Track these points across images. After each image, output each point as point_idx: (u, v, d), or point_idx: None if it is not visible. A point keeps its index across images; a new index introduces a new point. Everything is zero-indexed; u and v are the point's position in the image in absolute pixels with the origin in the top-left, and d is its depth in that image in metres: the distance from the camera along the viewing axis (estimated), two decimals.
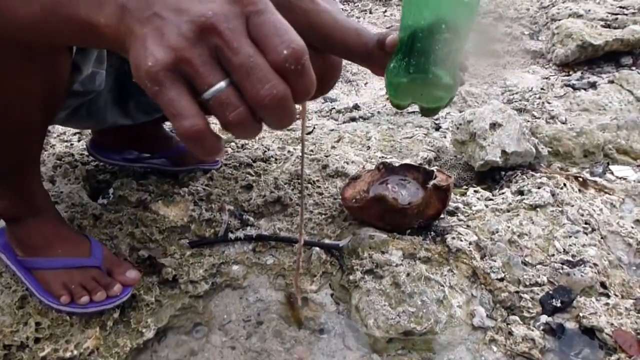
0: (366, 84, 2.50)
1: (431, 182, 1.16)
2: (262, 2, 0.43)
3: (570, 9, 2.78)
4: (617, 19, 2.61)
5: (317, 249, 1.17)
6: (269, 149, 1.56)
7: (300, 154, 1.44)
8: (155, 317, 1.05)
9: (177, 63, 0.42)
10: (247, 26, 0.43)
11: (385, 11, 3.55)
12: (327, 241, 1.21)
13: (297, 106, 0.47)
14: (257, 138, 1.65)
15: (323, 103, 2.30)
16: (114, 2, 0.45)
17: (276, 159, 1.52)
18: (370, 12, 3.56)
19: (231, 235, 1.21)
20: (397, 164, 1.31)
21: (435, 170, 1.22)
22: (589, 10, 2.73)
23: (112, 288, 1.00)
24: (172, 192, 1.32)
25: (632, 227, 1.30)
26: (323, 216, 1.28)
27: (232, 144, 1.61)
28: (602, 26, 2.54)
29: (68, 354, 0.94)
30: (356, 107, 2.19)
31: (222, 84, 0.43)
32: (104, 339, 0.99)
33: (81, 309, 0.99)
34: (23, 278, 1.02)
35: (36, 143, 0.93)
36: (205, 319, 1.08)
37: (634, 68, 2.32)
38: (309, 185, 1.39)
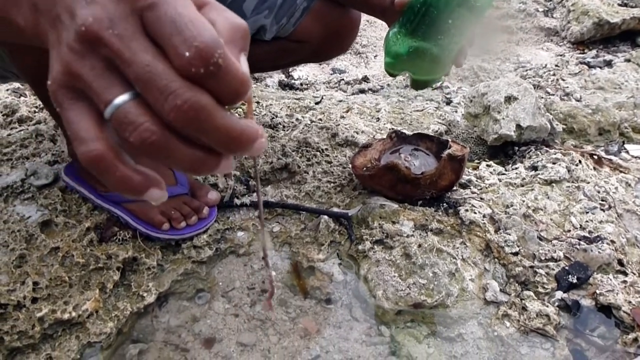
0: (376, 56, 2.44)
1: (446, 152, 1.12)
2: None
3: None
4: None
5: (326, 217, 1.13)
6: (276, 116, 1.52)
7: (307, 122, 1.40)
8: (156, 281, 1.02)
9: (71, 79, 0.35)
10: (144, 25, 0.35)
11: None
12: (335, 209, 1.17)
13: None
14: (264, 104, 1.61)
15: (332, 74, 2.25)
16: (27, 1, 0.39)
17: (284, 126, 1.47)
18: None
19: (237, 201, 1.17)
20: (409, 133, 1.26)
21: (449, 140, 1.18)
22: None
23: (202, 211, 1.09)
24: None
25: None
26: (332, 184, 1.24)
27: (239, 110, 1.57)
28: (619, 4, 2.48)
29: (66, 315, 0.90)
30: (365, 79, 2.14)
31: (120, 99, 0.34)
32: (103, 302, 0.96)
33: (179, 234, 1.07)
34: (113, 209, 1.08)
35: None
36: (208, 285, 1.05)
37: None
38: (317, 153, 1.35)
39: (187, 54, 0.33)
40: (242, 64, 0.36)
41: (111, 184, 0.37)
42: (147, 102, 0.34)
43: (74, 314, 0.91)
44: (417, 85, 1.08)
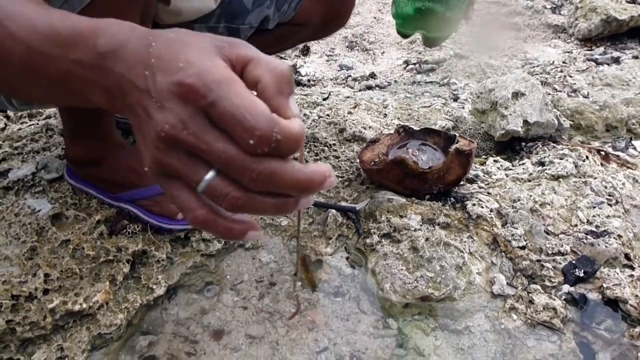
0: (383, 53, 2.45)
1: (453, 146, 1.12)
2: (212, 92, 0.41)
3: None
4: None
5: (333, 211, 1.14)
6: None
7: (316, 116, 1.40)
8: (166, 274, 1.03)
9: (163, 168, 0.44)
10: (209, 118, 0.42)
11: None
12: (343, 204, 1.17)
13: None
14: None
15: (339, 71, 2.26)
16: (99, 86, 0.47)
17: None
18: None
19: None
20: (417, 128, 1.27)
21: (457, 135, 1.18)
22: None
23: None
24: None
25: None
26: (340, 179, 1.25)
27: None
28: (627, 1, 2.47)
29: (77, 307, 0.91)
30: (372, 75, 2.15)
31: (208, 177, 0.43)
32: (113, 294, 0.97)
33: None
34: (124, 206, 1.09)
35: None
36: (217, 278, 1.06)
37: None
38: (325, 149, 1.36)
39: (251, 142, 0.40)
40: (292, 109, 0.43)
41: (216, 235, 0.48)
42: (228, 175, 0.43)
43: (84, 305, 0.92)
44: (430, 42, 1.08)
